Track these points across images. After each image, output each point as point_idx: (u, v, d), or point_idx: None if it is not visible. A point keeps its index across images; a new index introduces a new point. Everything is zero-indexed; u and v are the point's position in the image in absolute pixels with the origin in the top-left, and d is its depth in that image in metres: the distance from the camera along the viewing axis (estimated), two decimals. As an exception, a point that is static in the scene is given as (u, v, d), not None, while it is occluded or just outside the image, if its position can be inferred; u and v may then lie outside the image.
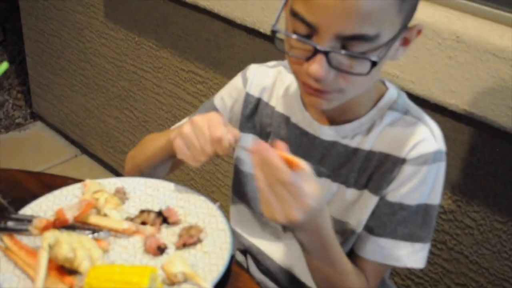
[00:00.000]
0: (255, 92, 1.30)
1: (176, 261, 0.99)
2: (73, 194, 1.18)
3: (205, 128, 1.08)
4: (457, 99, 1.49)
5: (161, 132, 1.34)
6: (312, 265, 1.11)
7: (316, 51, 0.95)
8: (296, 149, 1.20)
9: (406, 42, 1.04)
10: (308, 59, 0.97)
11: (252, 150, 0.94)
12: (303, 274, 1.28)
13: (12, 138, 3.36)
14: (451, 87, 1.49)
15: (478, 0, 1.51)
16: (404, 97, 1.19)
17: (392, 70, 1.58)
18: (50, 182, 1.25)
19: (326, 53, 0.95)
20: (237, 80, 1.34)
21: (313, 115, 1.20)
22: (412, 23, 1.03)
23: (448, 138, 1.57)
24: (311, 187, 0.94)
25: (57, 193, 1.18)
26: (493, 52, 1.40)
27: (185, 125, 1.10)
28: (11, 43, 3.33)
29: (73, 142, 3.31)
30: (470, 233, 1.65)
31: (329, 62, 0.96)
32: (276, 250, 1.34)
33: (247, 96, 1.31)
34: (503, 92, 1.41)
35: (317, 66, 0.96)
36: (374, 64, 0.96)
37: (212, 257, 1.04)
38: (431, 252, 1.74)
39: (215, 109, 1.35)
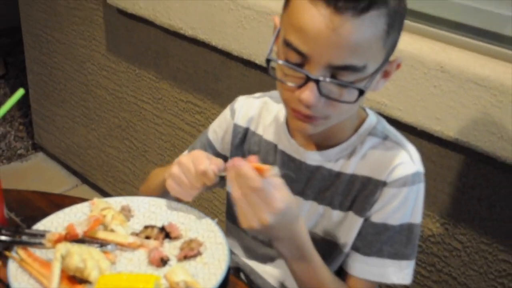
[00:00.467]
0: (242, 122, 1.36)
1: (178, 271, 1.03)
2: (82, 211, 1.22)
3: (191, 165, 1.14)
4: (442, 126, 1.53)
5: (164, 167, 1.39)
6: (297, 276, 1.16)
7: (308, 79, 1.00)
8: (284, 175, 1.27)
9: (386, 74, 1.10)
10: (300, 86, 1.02)
11: (227, 166, 1.03)
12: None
13: (14, 169, 3.37)
14: (436, 115, 1.53)
15: (461, 33, 1.55)
16: (384, 122, 1.24)
17: (381, 98, 1.62)
18: (60, 202, 1.28)
19: (317, 82, 1.00)
20: (226, 112, 1.40)
21: (298, 142, 1.25)
22: (397, 55, 1.09)
23: (435, 163, 1.63)
24: (280, 192, 1.00)
25: (67, 210, 1.22)
26: (475, 81, 1.44)
27: (173, 167, 1.17)
28: (13, 77, 3.35)
29: (74, 172, 3.31)
30: (457, 255, 1.68)
31: (319, 90, 1.00)
32: (268, 270, 1.38)
33: (235, 126, 1.36)
34: (485, 119, 1.44)
35: (309, 93, 1.01)
36: (361, 93, 1.01)
37: (211, 268, 1.09)
38: (420, 275, 1.77)
39: (209, 141, 1.41)
